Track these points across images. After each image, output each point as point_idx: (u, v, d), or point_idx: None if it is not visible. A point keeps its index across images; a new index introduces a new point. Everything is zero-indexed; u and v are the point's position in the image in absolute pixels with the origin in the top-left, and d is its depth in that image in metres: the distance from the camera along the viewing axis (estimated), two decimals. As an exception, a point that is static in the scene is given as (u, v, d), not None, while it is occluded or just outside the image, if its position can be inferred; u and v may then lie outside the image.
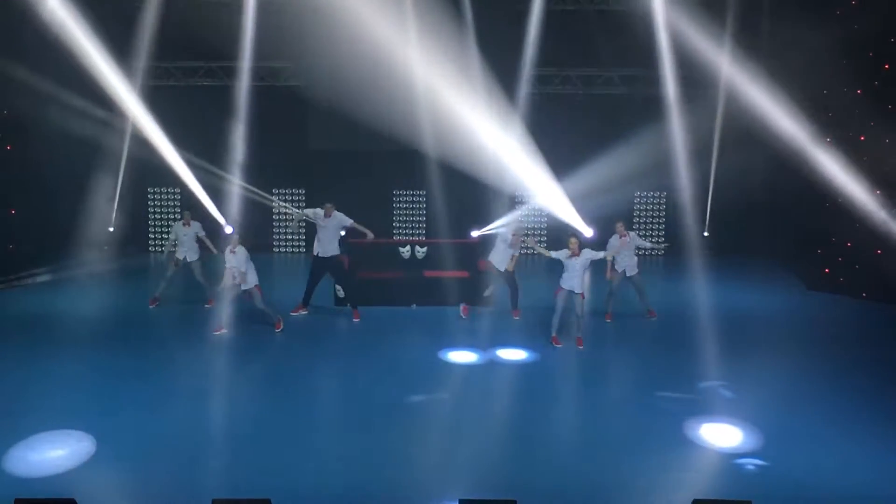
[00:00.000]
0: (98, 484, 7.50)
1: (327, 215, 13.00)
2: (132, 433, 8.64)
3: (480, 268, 13.49)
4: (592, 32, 17.33)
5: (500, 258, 12.97)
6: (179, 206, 18.71)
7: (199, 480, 7.65)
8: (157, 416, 9.11)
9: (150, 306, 13.53)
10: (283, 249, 19.03)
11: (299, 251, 18.95)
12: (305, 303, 13.31)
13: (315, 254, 13.17)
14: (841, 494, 7.35)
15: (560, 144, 17.13)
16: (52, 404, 9.38)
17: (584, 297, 11.67)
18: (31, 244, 15.78)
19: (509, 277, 13.15)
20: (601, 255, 11.70)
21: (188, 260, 13.37)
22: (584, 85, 18.22)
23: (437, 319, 13.21)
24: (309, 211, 13.32)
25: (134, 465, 7.89)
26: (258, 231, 18.38)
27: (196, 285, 13.69)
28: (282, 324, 12.31)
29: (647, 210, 19.11)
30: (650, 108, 16.97)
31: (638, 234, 13.36)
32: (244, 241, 12.15)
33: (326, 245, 13.06)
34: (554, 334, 11.69)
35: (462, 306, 13.35)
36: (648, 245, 13.33)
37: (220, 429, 8.85)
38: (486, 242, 13.48)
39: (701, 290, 14.52)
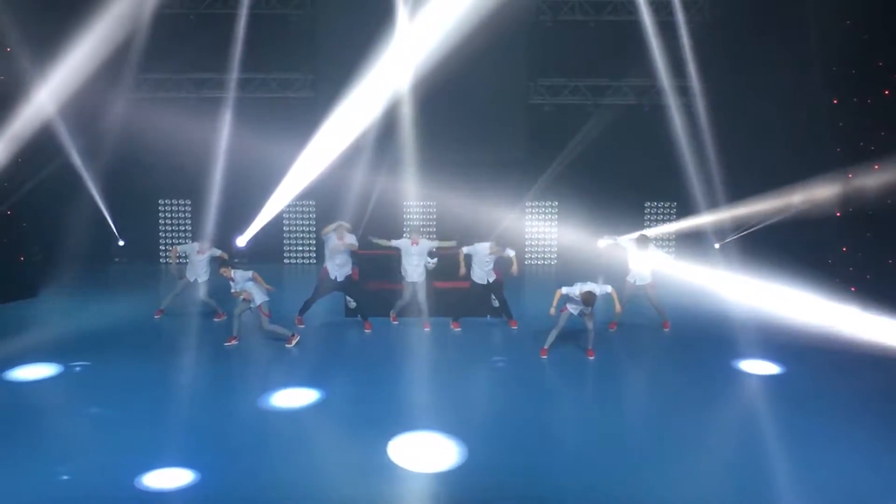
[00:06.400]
0: (104, 499, 7.51)
1: (340, 237, 12.91)
2: (140, 443, 8.67)
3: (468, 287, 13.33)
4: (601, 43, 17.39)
5: (480, 274, 12.97)
6: (190, 219, 18.72)
7: (206, 491, 7.66)
8: (162, 425, 9.13)
9: (156, 317, 13.63)
10: (293, 260, 19.02)
11: (309, 262, 18.93)
12: (301, 312, 13.25)
13: (333, 277, 13.01)
14: None
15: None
16: (58, 416, 9.43)
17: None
18: (42, 255, 15.81)
19: (497, 290, 13.18)
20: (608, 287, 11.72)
21: (199, 281, 13.47)
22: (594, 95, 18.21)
23: (446, 330, 13.22)
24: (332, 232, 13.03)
25: (141, 473, 7.91)
26: (270, 241, 18.37)
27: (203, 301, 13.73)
28: (295, 339, 12.24)
29: (657, 220, 19.01)
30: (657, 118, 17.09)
31: (655, 246, 13.41)
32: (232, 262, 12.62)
33: (343, 267, 12.99)
34: (545, 347, 11.79)
35: (454, 322, 13.35)
36: (666, 258, 13.35)
37: (228, 439, 8.85)
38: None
39: (712, 303, 14.54)
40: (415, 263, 13.00)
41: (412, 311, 13.34)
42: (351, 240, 12.99)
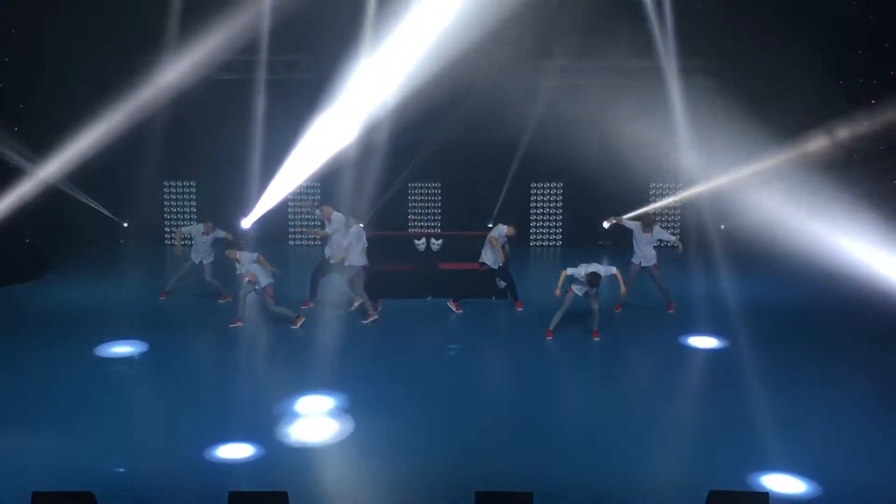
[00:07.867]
0: (115, 477, 7.57)
1: (327, 218, 12.93)
2: (149, 427, 8.73)
3: (479, 270, 13.32)
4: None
5: (492, 258, 12.97)
6: (196, 201, 18.73)
7: (216, 473, 7.72)
8: (170, 411, 9.20)
9: (160, 298, 13.70)
10: (298, 242, 19.04)
11: (315, 244, 18.94)
12: (312, 297, 13.31)
13: (327, 256, 13.09)
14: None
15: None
16: (65, 398, 9.49)
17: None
18: (47, 238, 15.85)
19: (504, 273, 13.21)
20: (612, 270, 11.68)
21: (203, 262, 13.46)
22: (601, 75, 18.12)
23: (449, 312, 13.20)
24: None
25: (150, 460, 7.97)
26: (274, 223, 18.36)
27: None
28: (300, 321, 12.28)
29: (663, 201, 18.96)
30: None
31: (660, 226, 13.57)
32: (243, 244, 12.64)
33: (336, 249, 12.91)
34: (550, 328, 11.79)
35: (454, 303, 13.24)
36: (671, 238, 13.42)
37: (237, 422, 8.90)
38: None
39: (717, 283, 14.56)
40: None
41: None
42: (330, 228, 12.89)
